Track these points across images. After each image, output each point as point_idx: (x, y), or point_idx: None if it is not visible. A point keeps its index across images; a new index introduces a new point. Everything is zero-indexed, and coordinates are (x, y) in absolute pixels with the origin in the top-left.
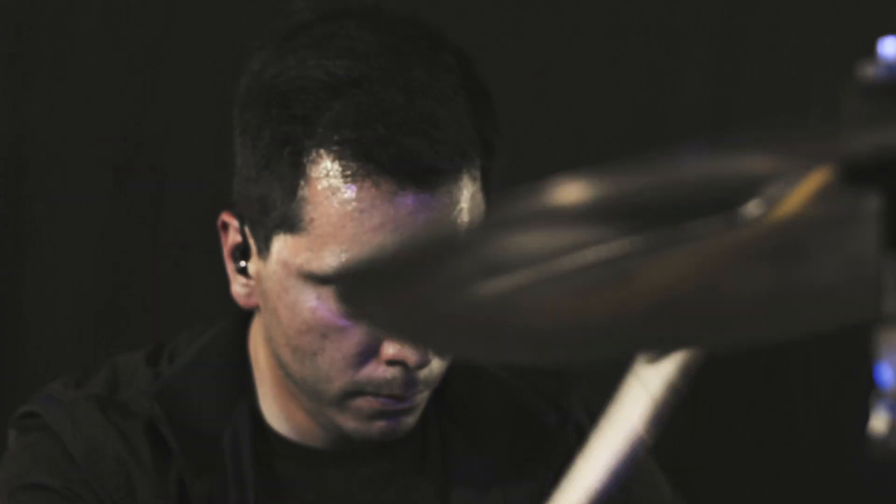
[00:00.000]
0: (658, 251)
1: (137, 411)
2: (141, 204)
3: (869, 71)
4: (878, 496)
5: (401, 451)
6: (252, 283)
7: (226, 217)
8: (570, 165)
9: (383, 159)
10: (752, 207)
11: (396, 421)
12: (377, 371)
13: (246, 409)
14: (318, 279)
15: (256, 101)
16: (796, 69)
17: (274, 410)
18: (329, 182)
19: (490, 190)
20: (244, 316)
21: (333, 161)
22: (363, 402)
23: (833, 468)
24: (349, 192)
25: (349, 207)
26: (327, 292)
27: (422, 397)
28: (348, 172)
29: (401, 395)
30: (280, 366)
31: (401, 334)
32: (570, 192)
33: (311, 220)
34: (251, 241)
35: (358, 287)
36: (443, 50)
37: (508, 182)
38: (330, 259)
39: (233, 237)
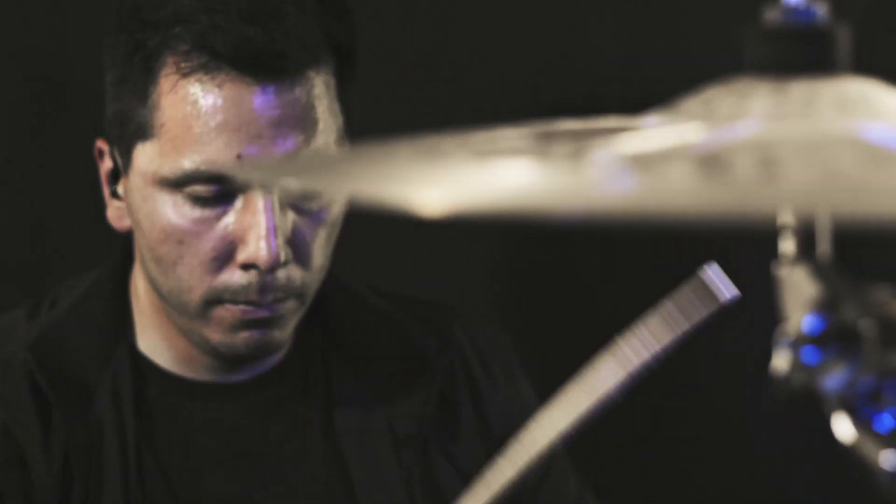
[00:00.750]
0: None
1: (17, 367)
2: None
3: (772, 15)
4: (780, 434)
5: (284, 379)
6: (123, 204)
7: (99, 144)
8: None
9: (223, 50)
10: None
11: (262, 332)
12: (233, 277)
13: (126, 350)
14: (171, 184)
15: (114, 20)
16: (702, 15)
17: (157, 343)
18: (175, 83)
19: (351, 104)
20: (127, 257)
21: (177, 59)
22: (224, 312)
23: (736, 410)
24: (193, 90)
25: (194, 107)
26: (182, 198)
27: (287, 308)
28: (190, 67)
29: (257, 300)
30: (154, 288)
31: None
32: None
33: (162, 124)
34: (119, 161)
35: None
36: None
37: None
38: (181, 162)
39: (106, 163)
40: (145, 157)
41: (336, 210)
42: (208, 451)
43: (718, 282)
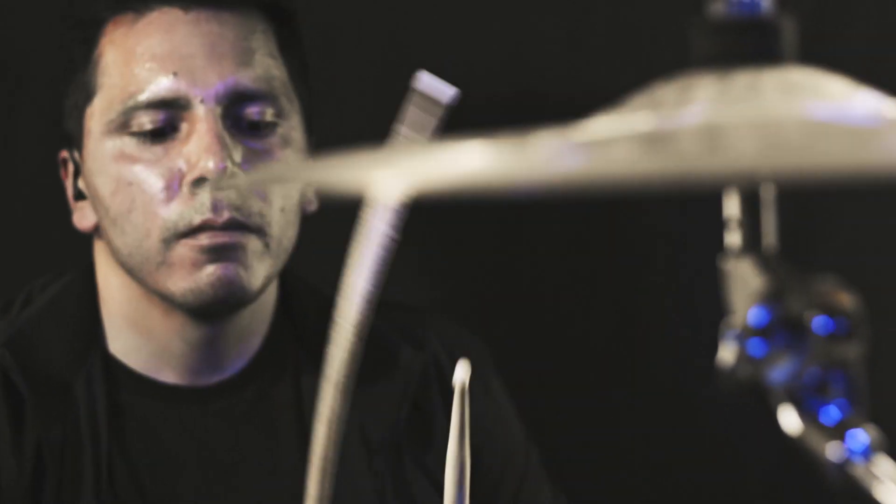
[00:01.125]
0: None
1: None
2: None
3: (717, 9)
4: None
5: (254, 383)
6: (86, 202)
7: (62, 154)
8: None
9: None
10: None
11: (225, 267)
12: (187, 203)
13: (98, 352)
14: (118, 126)
15: (59, 29)
16: (646, 12)
17: (129, 346)
18: (111, 36)
19: (298, 66)
20: (93, 265)
21: (114, 18)
22: (182, 248)
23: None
24: (127, 33)
25: (129, 48)
26: (128, 139)
27: (248, 243)
28: (123, 19)
29: (212, 220)
30: (119, 261)
31: None
32: None
33: (103, 75)
34: (76, 154)
35: None
36: None
37: None
38: (125, 100)
39: (69, 168)
40: (94, 117)
41: (280, 154)
42: (179, 456)
43: (434, 86)
